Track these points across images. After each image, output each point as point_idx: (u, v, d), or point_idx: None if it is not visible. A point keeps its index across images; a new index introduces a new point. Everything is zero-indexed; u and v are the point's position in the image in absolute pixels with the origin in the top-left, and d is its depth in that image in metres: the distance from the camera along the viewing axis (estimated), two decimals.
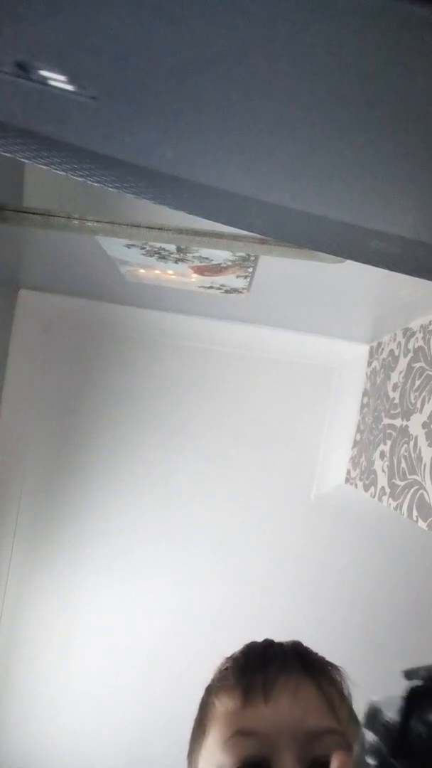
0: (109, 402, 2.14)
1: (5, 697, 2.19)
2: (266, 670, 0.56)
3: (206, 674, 0.62)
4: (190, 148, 0.33)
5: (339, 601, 2.15)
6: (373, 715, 0.39)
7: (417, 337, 1.57)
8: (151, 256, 1.31)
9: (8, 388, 2.11)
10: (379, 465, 1.67)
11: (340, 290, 1.47)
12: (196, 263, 1.31)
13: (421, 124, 0.30)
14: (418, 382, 1.49)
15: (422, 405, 1.43)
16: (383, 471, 1.62)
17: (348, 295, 1.53)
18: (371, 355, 2.01)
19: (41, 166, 0.37)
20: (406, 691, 0.38)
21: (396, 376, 1.67)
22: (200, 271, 1.38)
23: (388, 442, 1.62)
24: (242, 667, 0.58)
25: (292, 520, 2.15)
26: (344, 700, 0.57)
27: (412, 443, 1.44)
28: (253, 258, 1.25)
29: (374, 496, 1.67)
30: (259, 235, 0.98)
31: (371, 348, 2.03)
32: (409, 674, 0.39)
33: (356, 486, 1.88)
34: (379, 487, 1.64)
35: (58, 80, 0.30)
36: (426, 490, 1.31)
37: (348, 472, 2.02)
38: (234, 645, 0.63)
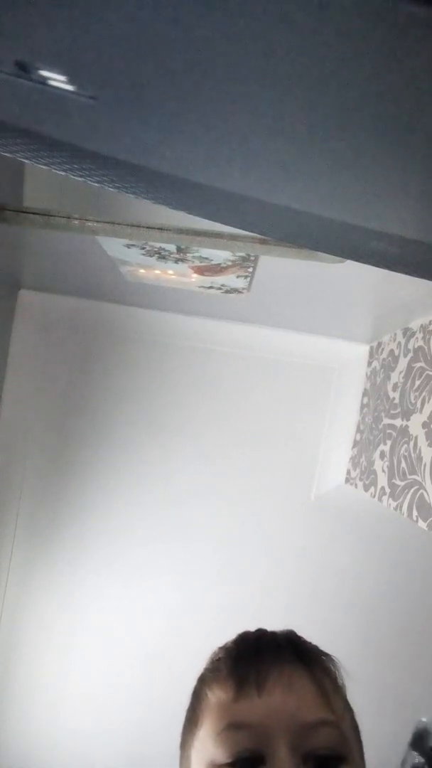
0: (109, 402, 2.14)
1: (5, 697, 2.19)
2: (259, 660, 0.55)
3: None
4: (189, 147, 0.33)
5: (339, 601, 2.15)
6: (421, 737, 0.39)
7: (417, 337, 1.57)
8: (151, 256, 1.31)
9: (8, 388, 2.11)
10: (379, 465, 1.67)
11: (340, 290, 1.47)
12: (196, 263, 1.31)
13: (421, 125, 0.30)
14: (418, 382, 1.49)
15: (422, 405, 1.43)
16: (383, 471, 1.62)
17: (348, 295, 1.53)
18: (371, 355, 2.01)
19: (41, 166, 0.37)
20: None
21: (396, 376, 1.67)
22: (200, 271, 1.38)
23: (388, 442, 1.62)
24: (235, 658, 0.57)
25: (292, 520, 2.15)
26: (338, 690, 0.56)
27: (412, 443, 1.44)
28: (253, 258, 1.25)
29: (374, 496, 1.67)
30: (259, 235, 0.98)
31: (371, 348, 2.03)
32: None
33: (356, 486, 1.88)
34: (379, 487, 1.64)
35: (58, 80, 0.30)
36: (426, 490, 1.31)
37: (348, 472, 2.02)
38: None
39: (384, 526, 1.95)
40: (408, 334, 1.64)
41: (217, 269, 1.34)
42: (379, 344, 1.93)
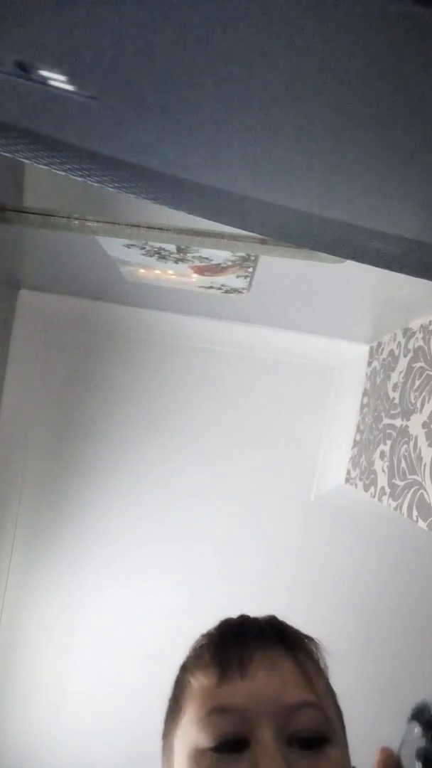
0: (110, 402, 2.14)
1: (5, 697, 2.19)
2: (242, 645, 0.55)
3: None
4: (189, 147, 0.33)
5: (339, 601, 2.15)
6: (421, 711, 0.44)
7: (417, 337, 1.57)
8: (151, 256, 1.31)
9: (8, 388, 2.11)
10: (379, 465, 1.67)
11: (340, 290, 1.47)
12: (196, 263, 1.31)
13: (421, 125, 0.30)
14: (418, 382, 1.49)
15: (422, 405, 1.43)
16: (383, 471, 1.62)
17: (348, 295, 1.53)
18: (371, 355, 2.01)
19: (41, 166, 0.37)
20: None
21: (396, 376, 1.67)
22: (200, 271, 1.38)
23: (388, 442, 1.62)
24: (217, 643, 0.57)
25: (292, 520, 2.15)
26: (321, 672, 0.56)
27: (412, 443, 1.44)
28: (253, 258, 1.25)
29: (374, 496, 1.67)
30: (259, 235, 0.98)
31: (371, 348, 2.03)
32: None
33: (356, 486, 1.88)
34: (379, 487, 1.64)
35: (58, 80, 0.30)
36: (426, 490, 1.31)
37: (348, 472, 2.02)
38: None
39: (384, 526, 1.95)
40: (408, 334, 1.64)
41: (217, 269, 1.34)
42: (379, 344, 1.93)
